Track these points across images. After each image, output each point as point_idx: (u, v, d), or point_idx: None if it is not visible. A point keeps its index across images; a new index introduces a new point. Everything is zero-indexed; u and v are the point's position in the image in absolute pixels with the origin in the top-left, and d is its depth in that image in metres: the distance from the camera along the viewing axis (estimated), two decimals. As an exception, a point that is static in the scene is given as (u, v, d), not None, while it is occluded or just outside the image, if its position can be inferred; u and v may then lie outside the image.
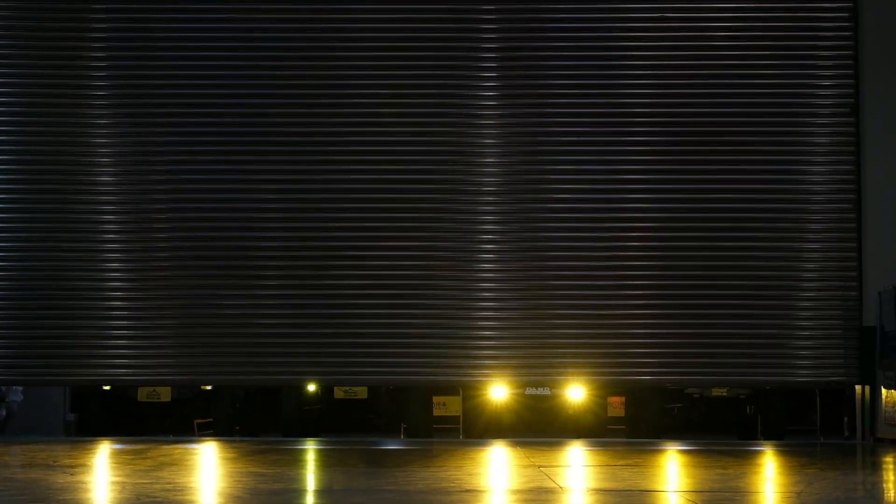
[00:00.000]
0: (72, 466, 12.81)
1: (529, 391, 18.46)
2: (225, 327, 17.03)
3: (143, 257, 17.13)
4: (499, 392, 18.17)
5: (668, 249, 17.07)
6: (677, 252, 17.06)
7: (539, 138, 17.24)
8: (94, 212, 17.13)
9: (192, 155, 17.19)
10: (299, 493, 11.05)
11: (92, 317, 16.98)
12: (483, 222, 17.15)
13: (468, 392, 18.54)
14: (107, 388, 18.29)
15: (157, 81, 17.27)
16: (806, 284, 17.01)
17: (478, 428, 18.35)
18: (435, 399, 18.56)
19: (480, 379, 17.26)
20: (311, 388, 18.35)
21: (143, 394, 18.56)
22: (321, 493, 11.03)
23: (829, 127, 17.17)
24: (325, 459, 14.26)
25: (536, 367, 17.01)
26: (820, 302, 16.98)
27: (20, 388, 18.29)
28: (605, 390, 18.58)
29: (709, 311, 16.98)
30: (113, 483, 11.86)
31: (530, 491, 10.94)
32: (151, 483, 11.47)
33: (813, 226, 17.09)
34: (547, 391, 18.47)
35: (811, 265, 17.05)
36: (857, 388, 17.01)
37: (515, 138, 17.20)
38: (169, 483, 11.54)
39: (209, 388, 18.50)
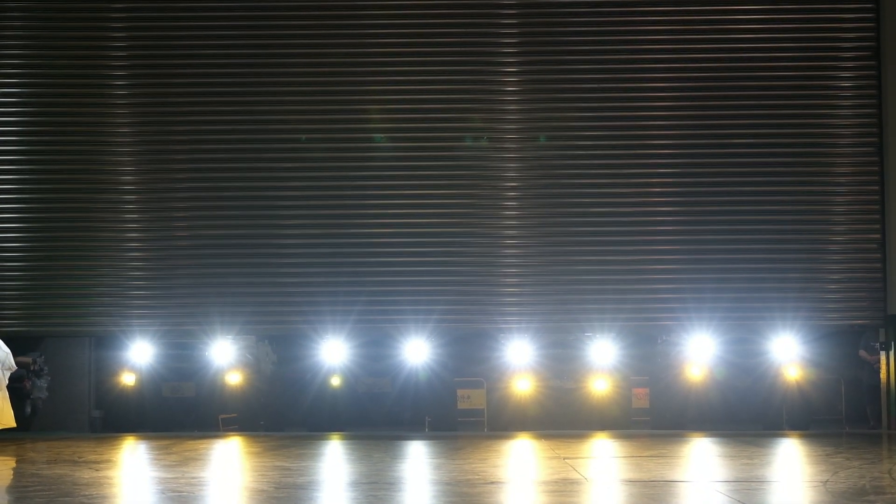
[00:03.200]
0: (97, 462, 12.84)
1: (554, 383, 18.38)
2: (247, 276, 17.40)
3: (162, 206, 17.46)
4: (523, 384, 18.13)
5: (694, 195, 17.35)
6: (705, 199, 17.34)
7: (564, 86, 17.43)
8: (115, 164, 17.47)
9: (214, 108, 17.50)
10: (325, 486, 11.06)
11: (112, 266, 17.46)
12: (507, 170, 17.37)
13: (493, 385, 18.50)
14: (131, 383, 18.30)
15: (180, 42, 17.57)
16: (834, 228, 17.30)
17: (502, 421, 18.30)
18: (459, 392, 18.52)
19: (504, 326, 17.55)
20: (335, 382, 18.32)
21: (167, 389, 18.56)
22: (347, 486, 11.04)
23: (851, 71, 17.26)
24: (350, 453, 14.27)
25: (563, 313, 17.40)
26: (846, 245, 17.27)
27: (44, 385, 18.31)
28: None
29: (741, 257, 17.26)
30: (138, 478, 11.90)
31: (556, 482, 10.92)
32: (176, 478, 11.49)
33: (839, 169, 17.30)
34: (571, 383, 18.39)
35: (838, 208, 17.28)
36: (883, 378, 16.97)
37: (540, 85, 17.42)
38: (194, 478, 11.57)
39: (234, 383, 18.48)
